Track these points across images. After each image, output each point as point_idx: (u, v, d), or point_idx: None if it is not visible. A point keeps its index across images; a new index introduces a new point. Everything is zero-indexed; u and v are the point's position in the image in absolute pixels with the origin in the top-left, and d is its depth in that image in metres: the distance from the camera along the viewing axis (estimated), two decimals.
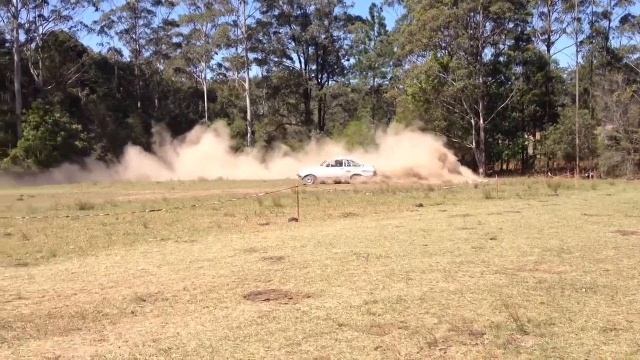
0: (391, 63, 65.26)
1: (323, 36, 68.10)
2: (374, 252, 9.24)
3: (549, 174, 48.13)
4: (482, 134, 51.51)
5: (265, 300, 6.39)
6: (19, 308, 6.40)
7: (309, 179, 37.44)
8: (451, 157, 42.50)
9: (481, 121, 51.03)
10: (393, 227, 12.49)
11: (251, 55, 67.19)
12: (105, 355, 4.73)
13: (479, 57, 52.34)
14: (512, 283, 6.84)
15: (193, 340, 5.06)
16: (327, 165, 38.48)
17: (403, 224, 13.08)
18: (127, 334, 5.33)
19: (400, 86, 60.96)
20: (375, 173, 37.35)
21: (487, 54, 55.76)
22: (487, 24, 52.71)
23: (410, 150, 39.17)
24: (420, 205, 17.88)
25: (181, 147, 53.66)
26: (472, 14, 50.87)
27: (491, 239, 10.44)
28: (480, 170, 49.96)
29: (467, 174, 41.31)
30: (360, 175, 37.01)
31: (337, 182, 36.11)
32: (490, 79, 53.84)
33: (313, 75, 71.75)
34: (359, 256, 8.87)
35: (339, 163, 38.41)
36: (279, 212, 16.53)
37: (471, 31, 51.77)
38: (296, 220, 14.51)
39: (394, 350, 4.65)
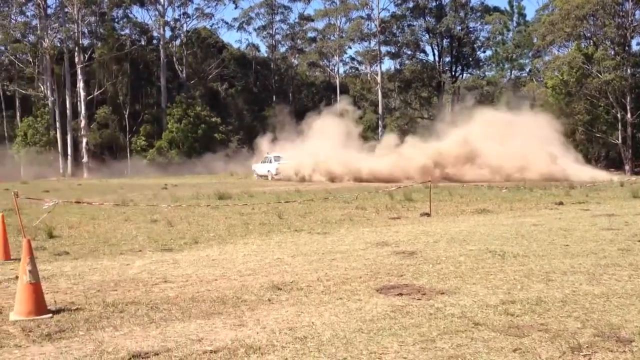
0: (530, 54, 62.70)
1: (458, 28, 66.63)
2: (510, 250, 8.93)
3: None
4: (629, 129, 48.26)
5: (398, 294, 6.36)
6: (165, 291, 6.79)
7: (256, 175, 42.12)
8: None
9: (628, 115, 47.79)
10: (530, 225, 12.00)
11: (384, 49, 67.14)
12: (245, 340, 4.91)
13: (627, 48, 49.05)
14: None
15: (327, 331, 5.13)
16: (262, 162, 41.83)
17: (542, 222, 12.53)
18: (264, 321, 5.50)
19: (540, 78, 58.42)
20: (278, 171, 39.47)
21: (635, 43, 52.15)
22: (637, 12, 49.23)
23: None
24: (561, 203, 17.04)
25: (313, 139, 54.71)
26: (620, 1, 47.72)
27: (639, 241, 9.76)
28: (627, 167, 46.82)
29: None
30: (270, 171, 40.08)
31: (265, 177, 40.18)
32: (639, 70, 50.27)
33: (447, 68, 70.48)
34: (494, 254, 8.61)
35: (268, 160, 41.17)
36: (410, 207, 16.40)
37: (619, 20, 48.59)
38: (428, 215, 14.34)
39: (534, 354, 4.46)
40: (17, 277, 7.15)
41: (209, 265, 8.33)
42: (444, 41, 68.91)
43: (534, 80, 60.86)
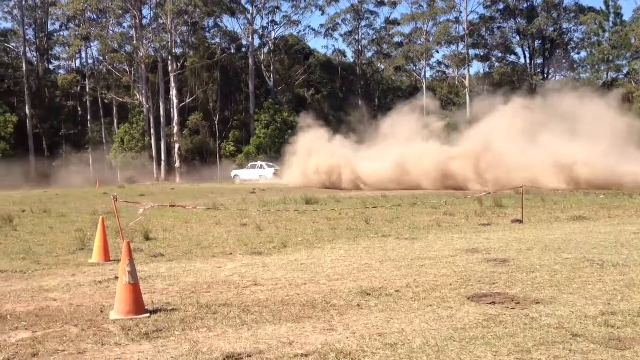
0: (628, 55, 59.91)
1: (551, 29, 64.56)
2: (609, 259, 8.53)
3: None
4: None
5: (490, 303, 6.20)
6: (256, 294, 6.91)
7: (237, 179, 45.76)
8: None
9: None
10: (631, 234, 11.43)
11: (472, 52, 65.93)
12: (335, 345, 4.92)
13: None
14: None
15: (418, 338, 5.07)
16: (248, 168, 46.84)
17: None
18: (354, 326, 5.49)
19: (639, 80, 55.73)
20: (275, 174, 43.81)
21: None
22: None
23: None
24: None
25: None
26: None
27: None
28: None
29: None
30: (264, 175, 44.62)
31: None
32: None
33: (539, 70, 68.38)
34: (592, 263, 8.25)
35: (254, 166, 46.70)
36: (501, 213, 15.99)
37: None
38: (520, 222, 13.93)
39: None
40: (116, 278, 7.48)
41: (297, 270, 8.41)
42: (536, 43, 66.93)
43: (632, 82, 58.11)
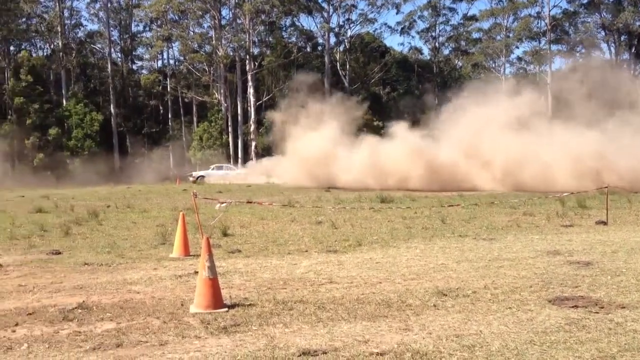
0: None
1: (638, 23, 61.87)
2: None
3: None
4: None
5: (573, 306, 6.00)
6: (332, 291, 6.93)
7: (200, 180, 45.01)
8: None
9: None
10: None
11: (554, 47, 63.98)
12: (411, 345, 4.88)
13: None
14: None
15: (496, 340, 4.96)
16: (213, 169, 47.18)
17: None
18: (430, 326, 5.44)
19: None
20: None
21: None
22: None
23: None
24: None
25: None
26: None
27: None
28: None
29: None
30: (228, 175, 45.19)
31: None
32: None
33: (624, 66, 65.63)
34: None
35: (219, 167, 47.61)
36: (584, 214, 15.44)
37: None
38: (605, 223, 13.41)
39: None
40: (196, 272, 7.68)
41: (372, 268, 8.39)
42: (622, 38, 64.26)
43: None
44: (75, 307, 6.30)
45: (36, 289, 7.40)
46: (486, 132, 31.23)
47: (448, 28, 71.84)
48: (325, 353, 4.72)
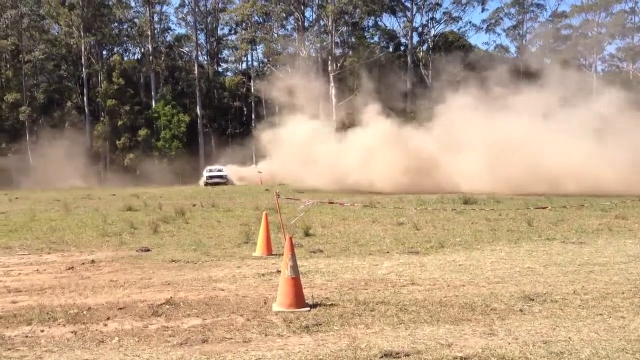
0: None
1: None
2: None
3: None
4: None
5: None
6: (413, 293, 6.86)
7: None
8: None
9: None
10: None
11: None
12: (496, 350, 4.77)
13: None
14: None
15: (586, 348, 4.78)
16: (210, 171, 47.45)
17: None
18: (516, 332, 5.29)
19: None
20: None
21: None
22: None
23: None
24: None
25: None
26: None
27: None
28: None
29: None
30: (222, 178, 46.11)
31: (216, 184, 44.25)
32: None
33: None
34: None
35: (218, 170, 47.92)
36: None
37: None
38: None
39: None
40: (278, 271, 7.79)
41: (455, 271, 8.25)
42: None
43: None
44: (163, 303, 6.51)
45: (126, 285, 7.70)
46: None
47: (536, 25, 69.80)
48: (408, 355, 4.68)
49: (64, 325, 5.77)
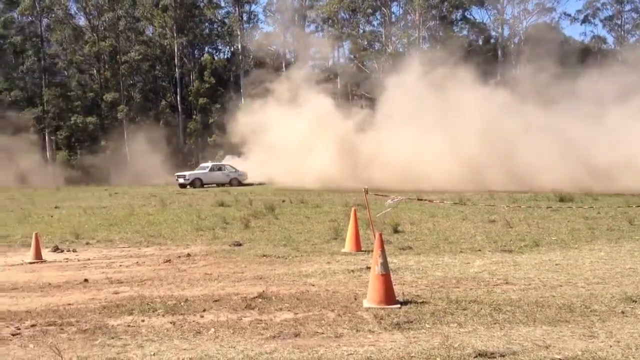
0: None
1: None
2: None
3: None
4: None
5: None
6: (507, 293, 6.69)
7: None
8: None
9: None
10: None
11: None
12: (597, 353, 4.58)
13: None
14: None
15: None
16: (211, 170, 40.02)
17: None
18: (617, 334, 5.07)
19: None
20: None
21: None
22: None
23: None
24: None
25: None
26: None
27: None
28: None
29: None
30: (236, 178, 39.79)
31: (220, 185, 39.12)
32: None
33: None
34: None
35: (218, 167, 40.78)
36: None
37: None
38: None
39: None
40: (368, 268, 7.79)
41: (551, 270, 7.98)
42: None
43: None
44: (256, 297, 6.64)
45: (220, 278, 7.91)
46: None
47: (635, 15, 66.47)
48: (503, 356, 4.56)
49: (163, 316, 5.99)
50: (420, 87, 32.55)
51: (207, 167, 40.60)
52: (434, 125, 30.20)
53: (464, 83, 31.65)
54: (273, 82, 43.65)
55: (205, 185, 38.32)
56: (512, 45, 63.95)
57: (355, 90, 64.17)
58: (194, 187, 36.91)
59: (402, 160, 29.07)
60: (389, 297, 6.13)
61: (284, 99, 39.19)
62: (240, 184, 39.59)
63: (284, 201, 20.65)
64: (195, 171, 40.37)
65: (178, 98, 60.91)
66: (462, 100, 30.44)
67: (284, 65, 64.15)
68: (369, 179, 24.71)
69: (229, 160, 45.85)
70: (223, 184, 39.26)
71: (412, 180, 26.85)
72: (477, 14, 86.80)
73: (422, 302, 6.27)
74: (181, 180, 38.14)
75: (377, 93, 42.02)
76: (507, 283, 7.20)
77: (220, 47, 69.60)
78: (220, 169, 40.79)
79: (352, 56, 64.73)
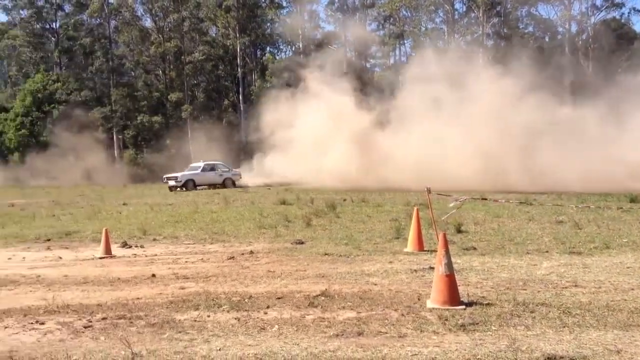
0: None
1: None
2: None
3: None
4: None
5: None
6: (577, 295, 6.49)
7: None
8: None
9: None
10: None
11: None
12: None
13: None
14: None
15: None
16: (203, 170, 36.64)
17: None
18: None
19: None
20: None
21: None
22: None
23: None
24: None
25: None
26: None
27: None
28: None
29: None
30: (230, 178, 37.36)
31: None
32: None
33: None
34: None
35: (210, 167, 37.40)
36: None
37: None
38: None
39: None
40: (431, 268, 7.71)
41: (623, 273, 7.70)
42: None
43: None
44: (319, 295, 6.66)
45: (283, 275, 7.98)
46: None
47: None
48: None
49: (228, 312, 6.09)
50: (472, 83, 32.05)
51: (199, 167, 37.07)
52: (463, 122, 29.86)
53: (523, 78, 30.89)
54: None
55: (198, 187, 35.49)
56: (580, 42, 62.15)
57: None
58: (187, 190, 34.07)
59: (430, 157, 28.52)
60: (453, 298, 6.05)
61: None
62: (234, 184, 37.18)
63: (344, 200, 20.65)
64: (187, 172, 36.72)
65: (240, 97, 61.71)
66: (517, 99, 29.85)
67: (344, 63, 64.19)
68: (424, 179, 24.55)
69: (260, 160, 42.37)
70: (215, 185, 36.77)
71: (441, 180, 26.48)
72: (544, 10, 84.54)
73: (488, 303, 6.15)
74: (172, 183, 34.80)
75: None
76: (576, 286, 6.99)
77: (281, 47, 70.26)
78: (212, 168, 37.37)
79: (413, 54, 64.21)
